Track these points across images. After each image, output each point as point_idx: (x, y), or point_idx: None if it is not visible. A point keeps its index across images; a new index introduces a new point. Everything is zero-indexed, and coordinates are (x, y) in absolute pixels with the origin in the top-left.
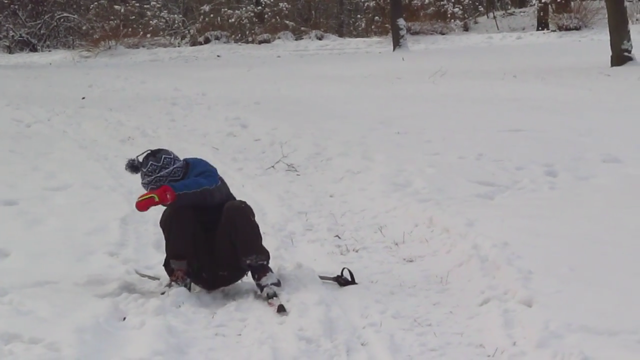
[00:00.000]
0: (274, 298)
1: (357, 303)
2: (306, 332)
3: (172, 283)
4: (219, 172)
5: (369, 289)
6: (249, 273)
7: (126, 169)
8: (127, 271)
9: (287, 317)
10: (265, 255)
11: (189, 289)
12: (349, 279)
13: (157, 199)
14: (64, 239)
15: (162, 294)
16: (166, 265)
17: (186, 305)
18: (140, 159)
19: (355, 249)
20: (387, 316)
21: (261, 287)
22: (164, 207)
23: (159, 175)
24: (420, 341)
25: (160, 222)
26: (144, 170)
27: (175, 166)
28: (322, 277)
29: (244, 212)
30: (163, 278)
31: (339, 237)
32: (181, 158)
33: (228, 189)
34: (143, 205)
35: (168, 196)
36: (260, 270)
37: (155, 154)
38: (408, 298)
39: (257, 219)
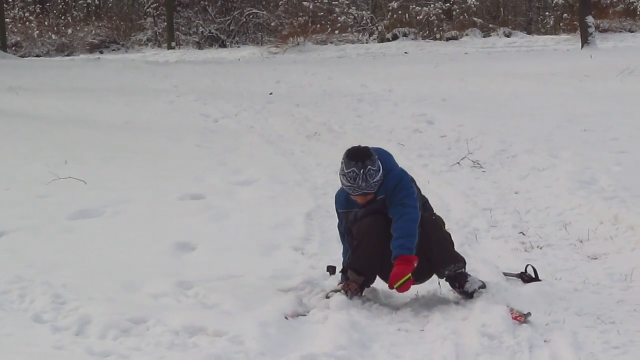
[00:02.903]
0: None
1: (540, 300)
2: (489, 329)
3: (342, 291)
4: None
5: (553, 286)
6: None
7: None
8: (311, 266)
9: (471, 314)
10: (462, 262)
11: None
12: (533, 276)
13: (412, 276)
14: (250, 233)
15: (328, 297)
16: (344, 272)
17: (370, 301)
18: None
19: (540, 246)
20: (571, 313)
21: (469, 294)
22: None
23: (375, 181)
24: (604, 339)
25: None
26: (361, 173)
27: (381, 167)
28: (506, 274)
29: (437, 225)
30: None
31: (524, 234)
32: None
33: (419, 189)
34: (406, 288)
35: (415, 264)
36: (460, 277)
37: (369, 156)
38: (592, 296)
39: (442, 215)
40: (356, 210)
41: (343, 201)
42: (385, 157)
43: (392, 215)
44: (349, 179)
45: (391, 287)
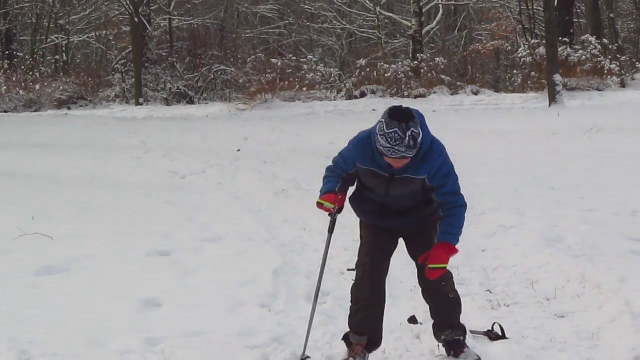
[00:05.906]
0: None
1: (507, 358)
2: None
3: (350, 359)
4: None
5: (520, 344)
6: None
7: (391, 121)
8: (278, 323)
9: None
10: (461, 330)
11: None
12: (500, 333)
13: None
14: (216, 290)
15: None
16: (345, 338)
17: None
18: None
19: (507, 304)
20: None
21: None
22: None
23: (416, 145)
24: None
25: (352, 291)
26: (403, 135)
27: (421, 132)
28: (472, 332)
29: (443, 291)
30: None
31: (491, 292)
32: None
33: None
34: (435, 275)
35: (452, 256)
36: (456, 346)
37: (412, 118)
38: (559, 354)
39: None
40: (375, 170)
41: (367, 158)
42: (422, 122)
43: (441, 199)
44: (389, 140)
45: (422, 261)
